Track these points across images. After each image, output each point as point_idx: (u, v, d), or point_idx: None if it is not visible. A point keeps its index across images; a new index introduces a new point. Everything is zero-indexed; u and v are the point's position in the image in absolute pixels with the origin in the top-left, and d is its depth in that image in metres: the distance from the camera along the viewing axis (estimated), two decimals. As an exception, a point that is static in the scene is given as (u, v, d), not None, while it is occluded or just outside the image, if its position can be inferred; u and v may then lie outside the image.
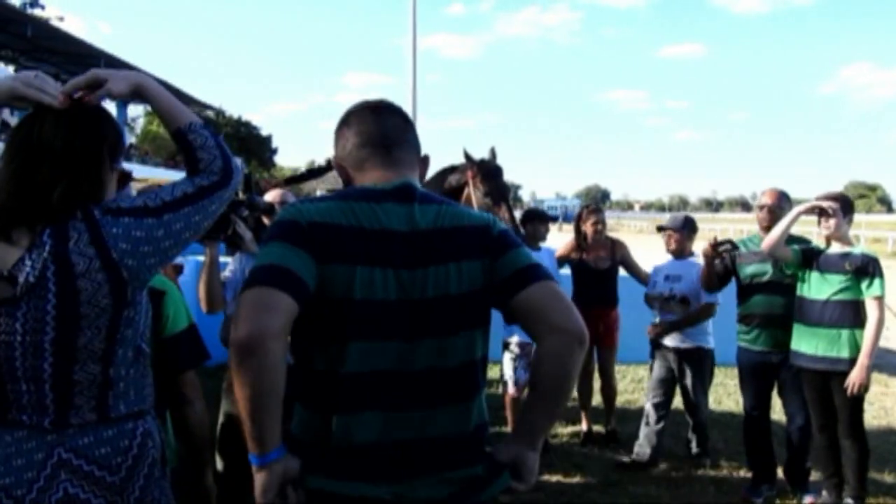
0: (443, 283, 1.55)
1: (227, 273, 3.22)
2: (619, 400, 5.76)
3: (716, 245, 4.41)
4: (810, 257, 4.03)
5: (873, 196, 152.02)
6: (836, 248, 3.99)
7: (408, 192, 1.60)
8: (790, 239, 4.16)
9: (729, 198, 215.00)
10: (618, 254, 5.44)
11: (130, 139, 43.37)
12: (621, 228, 54.30)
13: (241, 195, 3.19)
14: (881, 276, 3.86)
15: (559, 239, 5.54)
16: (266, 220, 3.24)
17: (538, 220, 5.17)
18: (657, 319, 4.94)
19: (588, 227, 5.43)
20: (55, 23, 35.25)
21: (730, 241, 4.56)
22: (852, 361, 3.83)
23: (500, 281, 1.58)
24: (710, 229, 47.00)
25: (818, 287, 3.96)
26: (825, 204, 3.94)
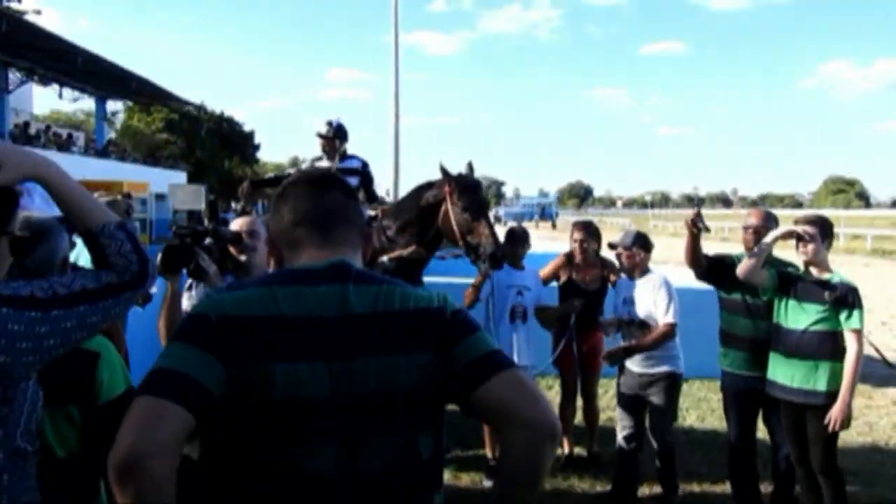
0: (386, 377, 1.37)
1: (188, 307, 3.04)
2: (602, 417, 5.65)
3: (695, 221, 4.01)
4: (787, 283, 3.89)
5: (851, 191, 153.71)
6: (814, 274, 3.85)
7: (342, 272, 1.44)
8: (775, 262, 4.03)
9: (710, 193, 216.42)
10: (607, 274, 5.25)
11: (110, 134, 42.77)
12: (604, 226, 54.27)
13: (206, 223, 3.00)
14: (860, 306, 3.72)
15: (533, 236, 5.36)
16: (232, 251, 3.07)
17: (519, 240, 4.99)
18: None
19: (574, 246, 5.22)
20: (32, 17, 34.66)
21: (702, 219, 4.10)
22: (829, 395, 3.69)
23: (456, 373, 1.39)
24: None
25: (795, 316, 3.82)
26: (802, 229, 3.79)
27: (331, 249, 1.48)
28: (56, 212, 2.14)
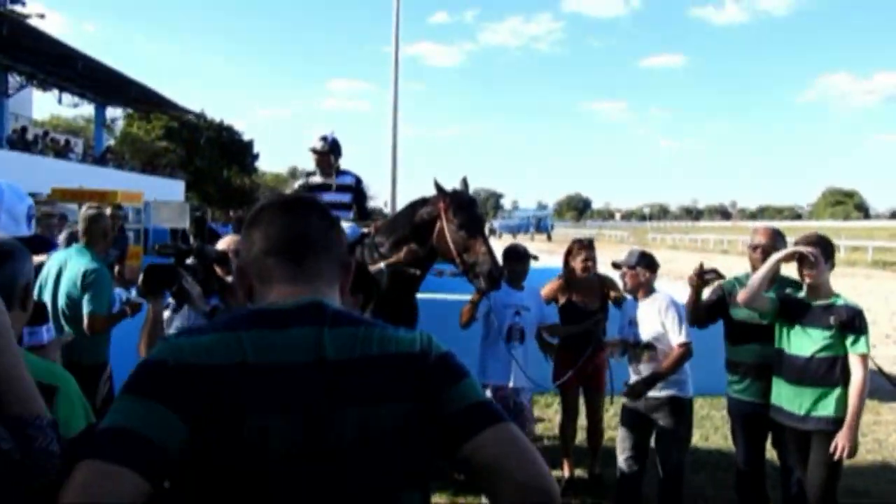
0: (366, 430, 1.23)
1: (171, 331, 2.90)
2: (605, 436, 5.50)
3: (701, 273, 4.08)
4: (788, 307, 3.76)
5: (850, 202, 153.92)
6: (816, 297, 3.72)
7: (316, 313, 1.30)
8: (782, 281, 3.92)
9: (709, 206, 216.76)
10: (607, 292, 5.11)
11: (109, 141, 42.71)
12: (602, 238, 54.51)
13: (191, 241, 2.87)
14: (866, 331, 3.61)
15: (529, 248, 5.20)
16: (219, 271, 2.94)
17: (516, 259, 4.82)
18: (630, 371, 4.45)
19: (577, 264, 5.07)
20: (35, 21, 34.63)
21: (714, 270, 4.20)
22: (837, 421, 3.58)
23: (443, 424, 1.26)
24: (691, 238, 47.56)
25: (800, 342, 3.69)
26: (806, 250, 3.65)
27: (304, 284, 1.35)
28: (22, 231, 2.01)
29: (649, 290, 4.40)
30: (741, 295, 3.78)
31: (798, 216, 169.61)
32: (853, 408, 3.54)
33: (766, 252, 3.99)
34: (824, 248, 3.71)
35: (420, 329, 1.40)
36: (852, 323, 3.58)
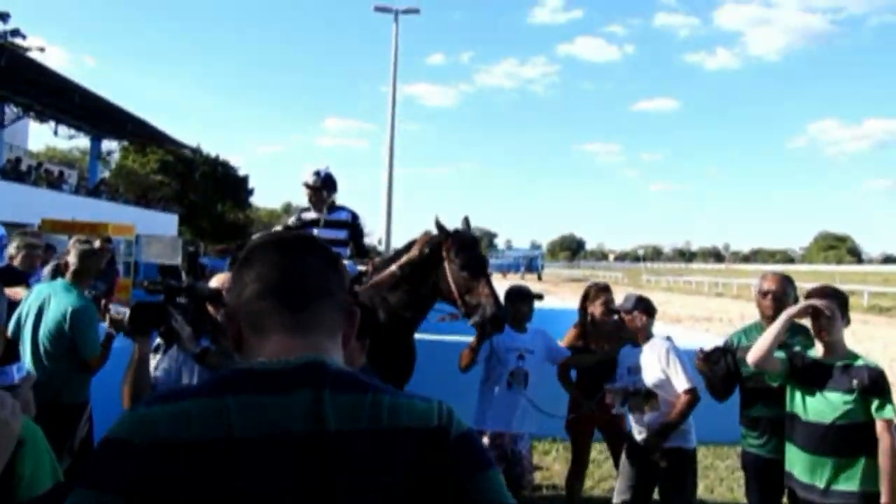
0: None
1: (157, 373, 2.73)
2: (604, 486, 5.28)
3: (707, 357, 3.88)
4: (802, 369, 3.40)
5: (843, 247, 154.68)
6: (832, 357, 3.36)
7: (316, 374, 1.11)
8: (799, 330, 3.70)
9: (702, 248, 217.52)
10: (625, 335, 4.83)
11: (104, 173, 42.66)
12: (596, 278, 54.21)
13: (184, 278, 2.71)
14: (890, 393, 3.25)
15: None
16: (211, 310, 2.77)
17: (520, 299, 4.63)
18: (630, 420, 4.31)
19: (597, 308, 4.85)
20: (35, 54, 34.78)
21: (719, 349, 4.02)
22: (864, 495, 3.20)
23: None
24: (686, 281, 47.51)
25: (818, 407, 3.32)
26: (822, 304, 3.31)
27: (303, 335, 1.17)
28: None
29: (647, 335, 4.29)
30: (750, 356, 3.46)
31: (791, 260, 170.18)
32: (888, 482, 3.13)
33: (778, 299, 3.80)
34: (840, 302, 3.40)
35: (436, 399, 1.20)
36: (876, 386, 3.22)
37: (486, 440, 4.36)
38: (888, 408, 3.19)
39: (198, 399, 1.08)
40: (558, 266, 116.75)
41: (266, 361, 1.13)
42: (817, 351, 3.42)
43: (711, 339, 10.30)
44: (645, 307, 4.30)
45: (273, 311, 1.17)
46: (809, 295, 3.45)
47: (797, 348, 3.58)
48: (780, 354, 3.44)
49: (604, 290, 4.98)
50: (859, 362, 3.32)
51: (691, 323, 18.27)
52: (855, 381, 3.24)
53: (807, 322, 3.51)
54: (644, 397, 4.13)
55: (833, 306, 3.32)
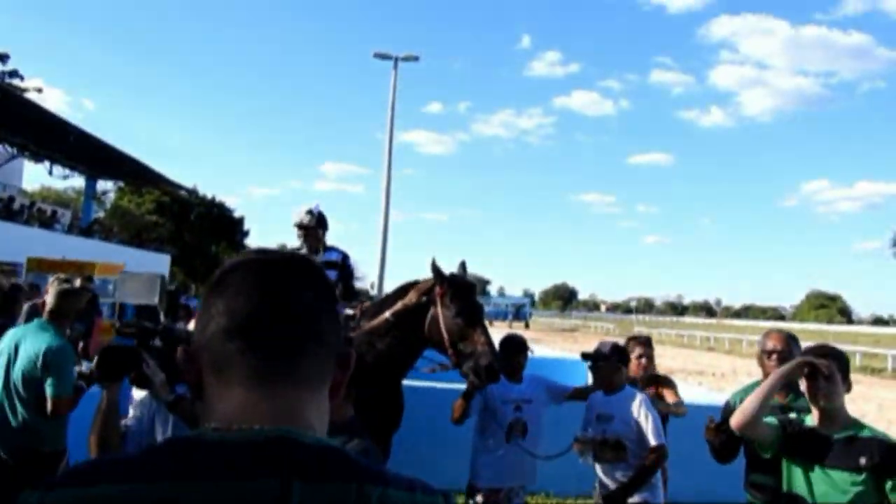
0: None
1: (129, 422, 2.57)
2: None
3: (718, 429, 3.65)
4: (797, 440, 2.88)
5: (834, 306, 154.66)
6: (832, 427, 2.84)
7: (285, 454, 0.85)
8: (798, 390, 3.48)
9: (694, 302, 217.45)
10: (661, 392, 4.64)
11: (98, 213, 42.58)
12: (587, 329, 54.02)
13: (161, 319, 2.58)
14: None
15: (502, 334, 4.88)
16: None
17: (515, 350, 4.47)
18: (597, 470, 4.15)
19: (632, 363, 4.61)
20: (32, 95, 35.06)
21: (726, 421, 3.84)
22: None
23: None
24: (678, 333, 47.24)
25: (821, 488, 2.78)
26: (820, 362, 2.83)
27: (275, 390, 0.91)
28: None
29: (620, 384, 4.20)
30: (734, 419, 2.94)
31: (782, 317, 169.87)
32: None
33: (784, 359, 3.48)
34: (840, 364, 2.92)
35: (440, 492, 0.97)
36: (889, 462, 2.71)
37: (479, 498, 4.23)
38: None
39: (123, 483, 0.82)
40: (549, 315, 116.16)
41: (221, 429, 0.87)
42: (814, 419, 2.93)
43: (704, 394, 10.18)
44: (620, 355, 4.23)
45: (241, 353, 0.90)
46: (807, 354, 3.01)
47: (793, 415, 3.22)
48: (771, 420, 2.96)
49: (641, 343, 4.79)
50: (865, 433, 2.82)
51: (683, 376, 18.06)
52: (863, 459, 2.72)
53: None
54: (612, 448, 4.01)
55: (833, 367, 2.85)
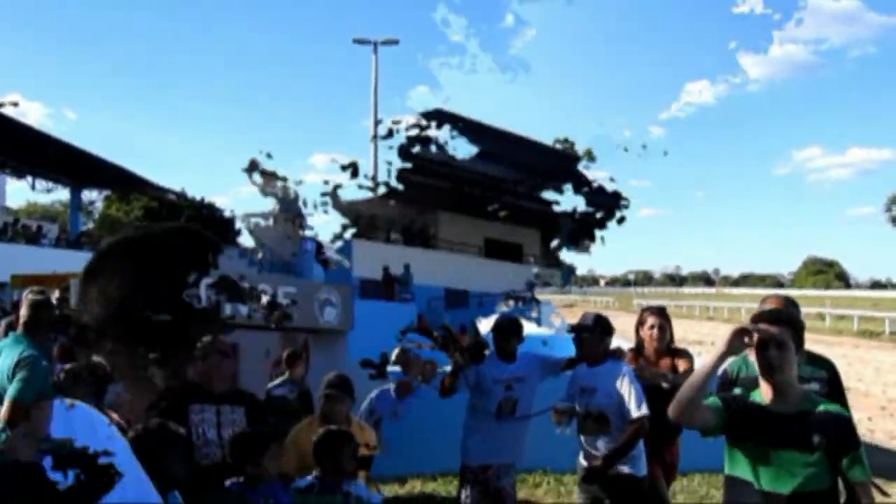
0: None
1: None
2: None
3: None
4: (744, 419, 2.53)
5: (831, 272, 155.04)
6: (783, 402, 2.52)
7: None
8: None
9: (692, 273, 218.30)
10: (679, 365, 4.38)
11: (87, 224, 42.29)
12: (587, 304, 53.93)
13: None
14: (860, 446, 2.49)
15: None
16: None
17: (507, 334, 4.40)
18: (581, 442, 4.10)
19: (645, 333, 4.44)
20: (8, 109, 34.60)
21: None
22: None
23: None
24: (677, 305, 47.04)
25: (771, 472, 2.47)
26: (768, 329, 2.49)
27: None
28: None
29: (605, 356, 4.13)
30: (671, 410, 2.55)
31: (780, 284, 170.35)
32: None
33: None
34: (795, 330, 2.56)
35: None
36: (843, 439, 2.46)
37: (469, 476, 4.28)
38: (858, 467, 2.44)
39: None
40: (548, 291, 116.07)
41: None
42: (763, 394, 2.58)
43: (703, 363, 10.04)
44: (603, 327, 4.16)
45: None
46: (754, 318, 2.59)
47: (738, 391, 2.92)
48: (713, 402, 2.59)
49: (655, 313, 4.51)
50: (819, 408, 2.52)
51: (683, 346, 17.97)
52: (816, 438, 2.44)
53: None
54: (595, 420, 3.97)
55: (786, 335, 2.50)
